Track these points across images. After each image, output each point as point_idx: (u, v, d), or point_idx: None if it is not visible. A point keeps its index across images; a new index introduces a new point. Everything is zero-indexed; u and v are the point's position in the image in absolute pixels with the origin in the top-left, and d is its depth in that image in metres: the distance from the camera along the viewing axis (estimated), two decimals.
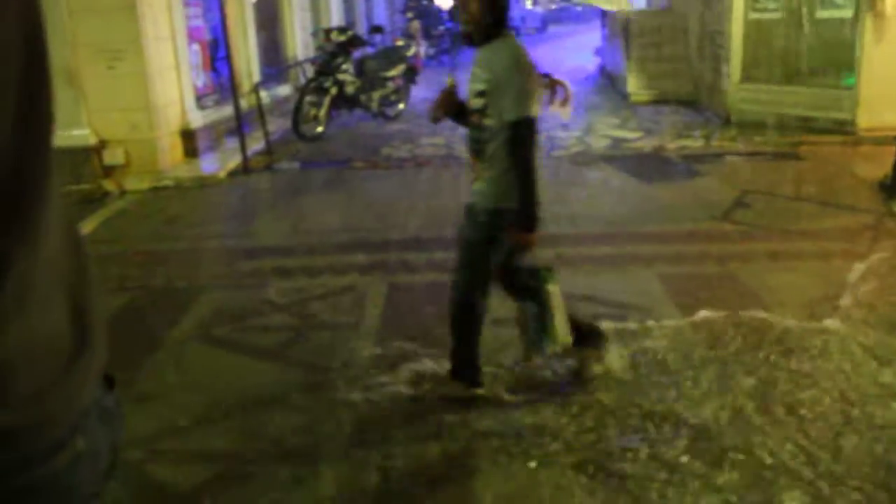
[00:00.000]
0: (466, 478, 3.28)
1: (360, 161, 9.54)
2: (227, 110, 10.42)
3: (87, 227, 7.46)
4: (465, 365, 3.68)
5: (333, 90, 11.02)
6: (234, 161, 9.48)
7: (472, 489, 3.19)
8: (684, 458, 3.24)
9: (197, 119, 9.88)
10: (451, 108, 3.48)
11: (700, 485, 3.06)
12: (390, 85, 12.15)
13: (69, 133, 8.64)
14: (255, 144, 9.89)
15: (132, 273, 6.15)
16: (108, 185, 8.75)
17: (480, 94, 3.30)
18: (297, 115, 10.60)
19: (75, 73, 8.60)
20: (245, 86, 11.22)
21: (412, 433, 3.60)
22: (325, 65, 11.27)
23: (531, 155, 3.26)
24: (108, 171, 8.84)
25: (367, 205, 7.73)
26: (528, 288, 3.60)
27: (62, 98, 8.64)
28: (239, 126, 9.25)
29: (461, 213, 3.66)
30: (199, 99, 10.26)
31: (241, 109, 9.69)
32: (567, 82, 3.60)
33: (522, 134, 3.22)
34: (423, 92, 13.13)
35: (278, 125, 11.24)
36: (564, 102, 3.55)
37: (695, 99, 12.43)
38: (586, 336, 3.81)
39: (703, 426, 3.47)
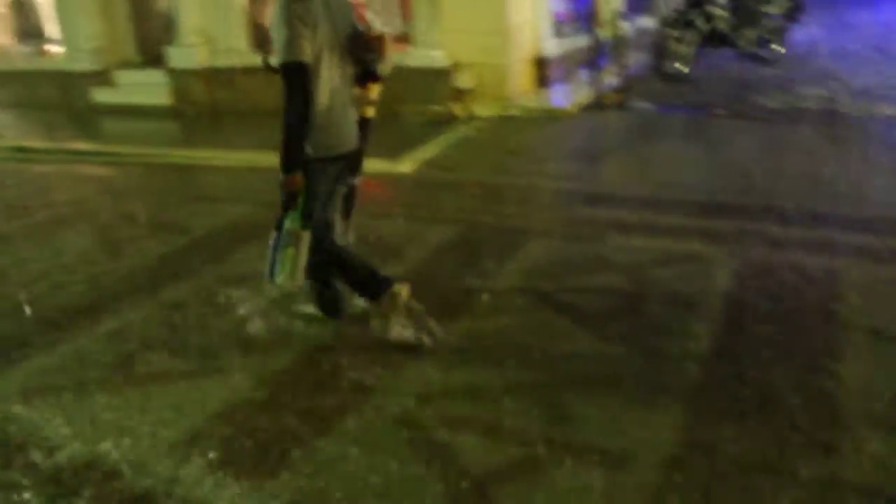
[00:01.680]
0: None
1: (724, 109, 8.41)
2: (583, 40, 9.81)
3: (429, 150, 7.37)
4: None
5: (703, 25, 9.88)
6: (586, 95, 8.89)
7: None
8: None
9: (551, 47, 9.39)
10: None
11: None
12: (768, 23, 10.65)
13: (425, 53, 8.61)
14: (610, 79, 9.19)
15: (465, 204, 5.89)
16: (457, 109, 8.63)
17: None
18: (660, 50, 9.68)
19: None
20: (604, 14, 10.48)
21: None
22: None
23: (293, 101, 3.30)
24: (458, 94, 8.69)
25: (726, 161, 6.70)
26: (279, 221, 3.61)
27: (422, 18, 8.59)
28: (594, 58, 8.61)
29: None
30: (556, 26, 9.74)
31: (599, 40, 9.01)
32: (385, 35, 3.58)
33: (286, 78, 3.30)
34: (807, 34, 11.41)
35: (637, 60, 10.37)
36: (382, 56, 3.57)
37: None
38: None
39: None
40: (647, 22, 12.34)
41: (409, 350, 3.74)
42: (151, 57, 11.28)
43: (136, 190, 7.38)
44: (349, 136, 3.68)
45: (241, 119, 9.63)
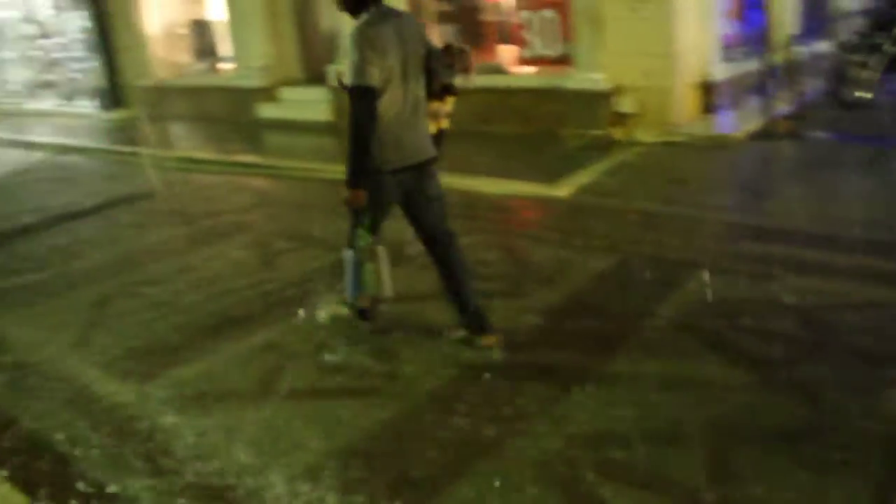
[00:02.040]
0: None
1: None
2: (753, 64, 9.32)
3: (587, 175, 7.17)
4: None
5: (889, 48, 9.16)
6: (755, 122, 8.42)
7: None
8: None
9: (719, 71, 8.98)
10: None
11: None
12: None
13: (586, 76, 8.44)
14: (782, 106, 8.67)
15: (623, 233, 5.66)
16: (617, 133, 8.39)
17: None
18: (838, 76, 9.05)
19: (598, 15, 8.28)
20: (777, 38, 9.94)
21: None
22: (882, 17, 9.42)
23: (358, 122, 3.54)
24: (618, 118, 8.45)
25: None
26: (350, 240, 3.87)
27: (583, 40, 8.43)
28: (765, 83, 8.14)
29: None
30: (724, 49, 9.31)
31: (770, 65, 8.54)
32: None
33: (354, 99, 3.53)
34: None
35: (812, 86, 9.75)
36: (466, 70, 3.85)
37: None
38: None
39: None
40: (824, 46, 11.61)
41: (562, 383, 3.59)
42: (314, 75, 11.70)
43: (291, 203, 7.60)
44: (418, 150, 3.84)
45: None
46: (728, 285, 4.62)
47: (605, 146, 8.17)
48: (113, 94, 15.22)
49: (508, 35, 9.94)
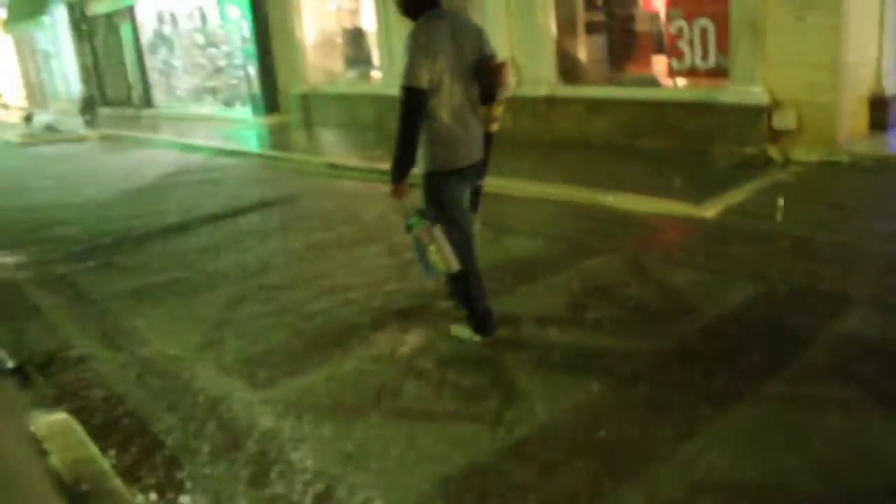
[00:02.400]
0: None
1: None
2: None
3: (737, 195, 6.71)
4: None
5: None
6: None
7: None
8: None
9: (893, 85, 8.21)
10: None
11: None
12: None
13: (742, 89, 7.93)
14: None
15: (773, 260, 5.22)
16: (773, 151, 7.83)
17: None
18: None
19: (759, 24, 7.74)
20: None
21: None
22: None
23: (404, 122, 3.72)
24: (776, 135, 7.88)
25: None
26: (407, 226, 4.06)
27: (741, 51, 7.93)
28: None
29: None
30: None
31: None
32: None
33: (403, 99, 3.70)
34: None
35: None
36: (501, 83, 3.92)
37: None
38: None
39: None
40: None
41: (685, 429, 3.29)
42: None
43: None
44: (468, 152, 3.99)
45: (541, 149, 9.56)
46: (890, 324, 4.13)
47: (760, 164, 7.65)
48: (268, 99, 15.86)
49: (661, 45, 9.54)
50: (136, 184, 11.09)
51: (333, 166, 10.25)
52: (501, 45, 10.25)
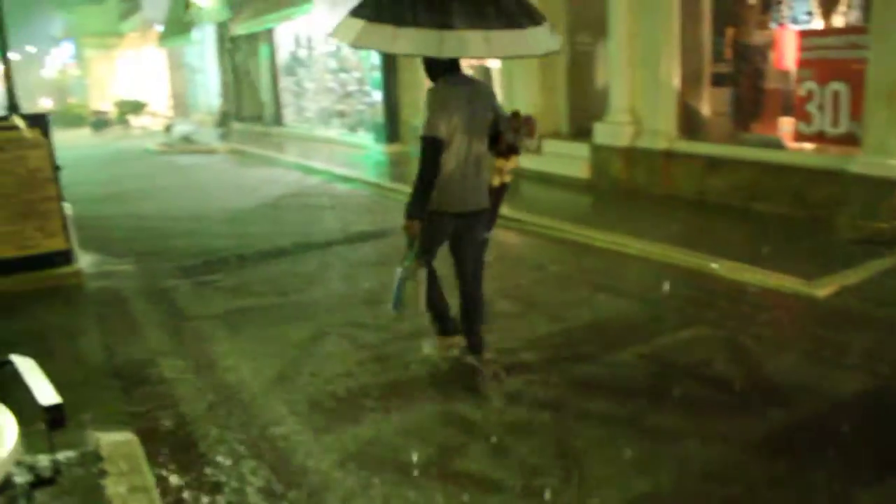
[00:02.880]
0: None
1: None
2: None
3: (857, 275, 6.22)
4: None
5: None
6: None
7: None
8: None
9: None
10: None
11: None
12: None
13: (874, 159, 7.41)
14: None
15: (890, 353, 4.80)
16: None
17: None
18: None
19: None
20: None
21: None
22: None
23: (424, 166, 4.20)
24: None
25: None
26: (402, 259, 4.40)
27: (876, 119, 7.44)
28: None
29: None
30: None
31: None
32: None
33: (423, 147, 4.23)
34: None
35: None
36: (530, 134, 4.39)
37: None
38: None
39: None
40: None
41: None
42: (580, 130, 11.50)
43: (527, 262, 7.39)
44: (469, 199, 4.40)
45: (654, 203, 9.26)
46: None
47: (887, 242, 7.11)
48: (390, 128, 16.10)
49: (788, 106, 9.10)
50: (254, 202, 11.45)
51: None
52: (622, 96, 10.05)
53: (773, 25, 9.88)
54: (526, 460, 3.68)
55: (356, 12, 4.05)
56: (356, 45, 4.11)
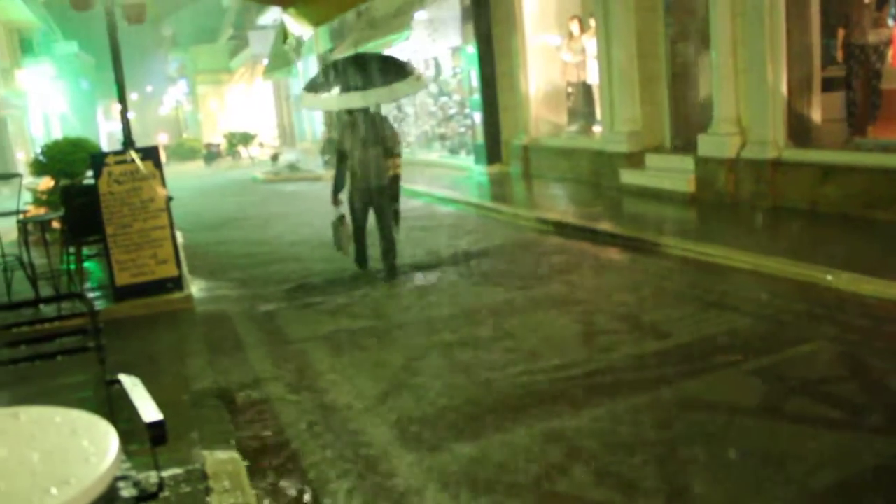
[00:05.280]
0: None
1: None
2: None
3: None
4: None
5: None
6: None
7: None
8: None
9: None
10: None
11: None
12: None
13: None
14: None
15: None
16: None
17: None
18: None
19: None
20: None
21: None
22: None
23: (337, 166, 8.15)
24: None
25: None
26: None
27: None
28: None
29: None
30: None
31: None
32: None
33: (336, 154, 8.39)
34: None
35: None
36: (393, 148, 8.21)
37: None
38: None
39: None
40: None
41: None
42: (684, 143, 11.19)
43: (632, 280, 7.18)
44: (370, 180, 7.82)
45: (763, 215, 8.88)
46: None
47: None
48: (491, 149, 16.10)
49: None
50: None
51: (544, 221, 10.15)
52: (727, 106, 9.71)
53: (890, 22, 9.37)
54: (628, 481, 3.53)
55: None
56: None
